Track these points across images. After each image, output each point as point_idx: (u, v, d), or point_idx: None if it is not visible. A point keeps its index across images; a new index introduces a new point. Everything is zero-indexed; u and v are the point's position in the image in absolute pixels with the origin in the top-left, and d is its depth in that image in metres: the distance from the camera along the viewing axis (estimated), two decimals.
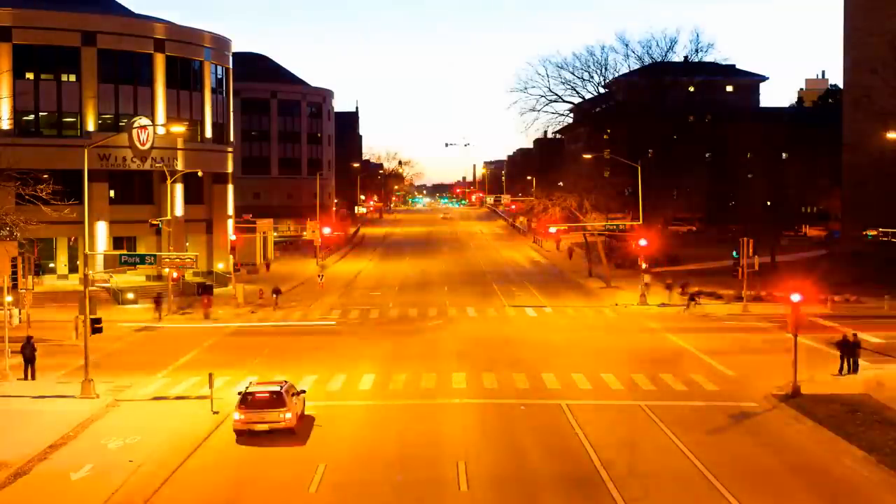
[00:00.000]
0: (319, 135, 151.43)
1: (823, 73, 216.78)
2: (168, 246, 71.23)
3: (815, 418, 33.26)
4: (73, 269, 73.85)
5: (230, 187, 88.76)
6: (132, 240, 78.35)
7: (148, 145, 76.32)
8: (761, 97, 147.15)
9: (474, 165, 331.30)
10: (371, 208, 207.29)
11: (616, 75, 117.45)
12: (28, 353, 41.77)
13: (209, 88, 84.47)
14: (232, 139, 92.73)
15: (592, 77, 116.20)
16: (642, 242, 70.27)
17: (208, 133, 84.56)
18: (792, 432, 32.52)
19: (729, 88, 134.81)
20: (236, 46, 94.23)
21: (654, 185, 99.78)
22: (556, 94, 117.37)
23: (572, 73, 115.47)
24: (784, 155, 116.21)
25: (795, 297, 37.59)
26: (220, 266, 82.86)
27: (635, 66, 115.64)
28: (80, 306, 43.17)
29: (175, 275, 67.39)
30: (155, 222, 72.47)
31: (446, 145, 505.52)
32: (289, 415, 31.49)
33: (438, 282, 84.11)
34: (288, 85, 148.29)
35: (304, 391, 35.00)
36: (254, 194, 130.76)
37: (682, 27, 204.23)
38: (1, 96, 70.52)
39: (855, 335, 42.46)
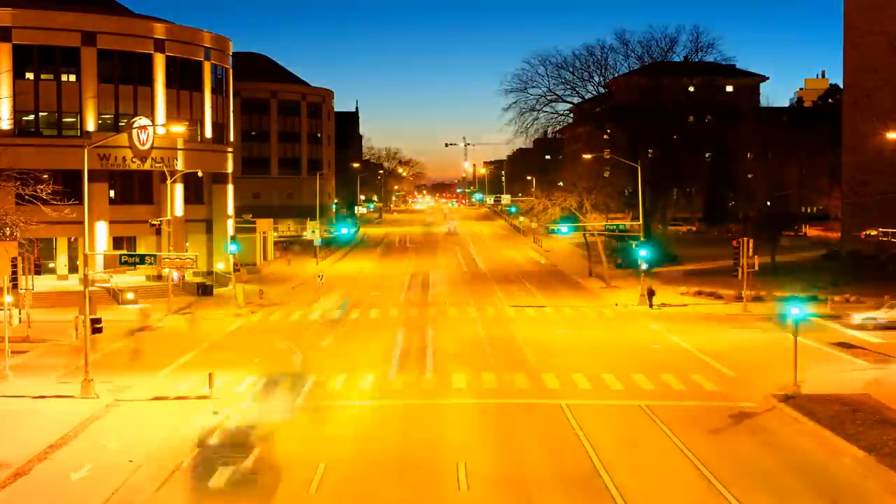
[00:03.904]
0: (319, 135, 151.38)
1: (823, 73, 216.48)
2: (168, 246, 71.25)
3: (815, 418, 33.25)
4: (73, 269, 73.86)
5: (230, 187, 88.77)
6: (132, 240, 78.35)
7: (148, 145, 76.32)
8: (761, 97, 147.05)
9: (474, 165, 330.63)
10: (371, 209, 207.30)
11: (616, 75, 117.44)
12: None
13: (209, 88, 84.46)
14: (232, 139, 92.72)
15: (592, 77, 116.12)
16: (642, 243, 70.23)
17: (208, 133, 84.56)
18: (792, 432, 32.52)
19: (729, 88, 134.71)
20: (236, 46, 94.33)
21: (653, 185, 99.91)
22: (556, 94, 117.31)
23: (572, 73, 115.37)
24: (784, 155, 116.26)
25: (795, 298, 37.61)
26: (220, 266, 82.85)
27: (635, 65, 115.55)
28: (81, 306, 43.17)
29: (175, 275, 67.37)
30: (155, 222, 72.47)
31: (446, 145, 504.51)
32: None
33: (438, 282, 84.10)
34: (288, 85, 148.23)
35: None
36: (254, 194, 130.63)
37: (682, 27, 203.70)
38: (1, 96, 70.51)
39: None
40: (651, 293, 65.13)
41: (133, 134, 74.53)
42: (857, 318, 54.34)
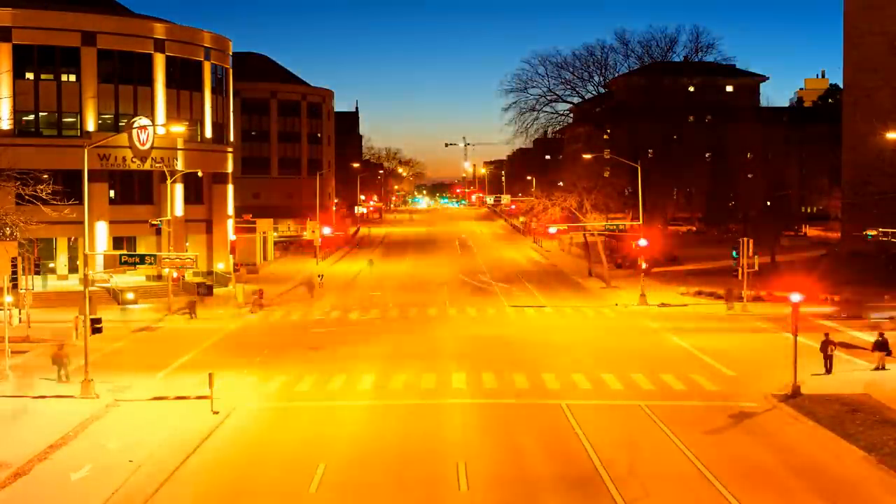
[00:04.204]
0: (319, 135, 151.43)
1: (823, 73, 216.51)
2: (168, 246, 71.27)
3: (815, 418, 33.26)
4: (73, 269, 73.87)
5: (230, 187, 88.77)
6: (132, 240, 78.36)
7: (148, 145, 76.32)
8: (761, 97, 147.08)
9: (474, 165, 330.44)
10: (371, 208, 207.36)
11: (616, 75, 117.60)
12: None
13: (209, 88, 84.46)
14: (232, 139, 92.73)
15: (592, 77, 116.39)
16: (642, 243, 70.28)
17: (208, 133, 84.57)
18: (792, 432, 32.52)
19: (729, 88, 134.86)
20: (236, 46, 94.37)
21: (654, 185, 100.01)
22: (556, 94, 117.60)
23: (572, 73, 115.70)
24: (784, 155, 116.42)
25: (795, 297, 37.62)
26: (220, 266, 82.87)
27: (635, 65, 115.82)
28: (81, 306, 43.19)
29: (175, 275, 67.36)
30: (155, 222, 72.50)
31: (446, 145, 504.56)
32: None
33: (438, 282, 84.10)
34: (288, 85, 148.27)
35: None
36: (254, 194, 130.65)
37: (682, 27, 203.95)
38: (1, 96, 70.51)
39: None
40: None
41: (133, 134, 74.54)
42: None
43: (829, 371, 39.92)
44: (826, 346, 40.61)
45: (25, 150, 63.17)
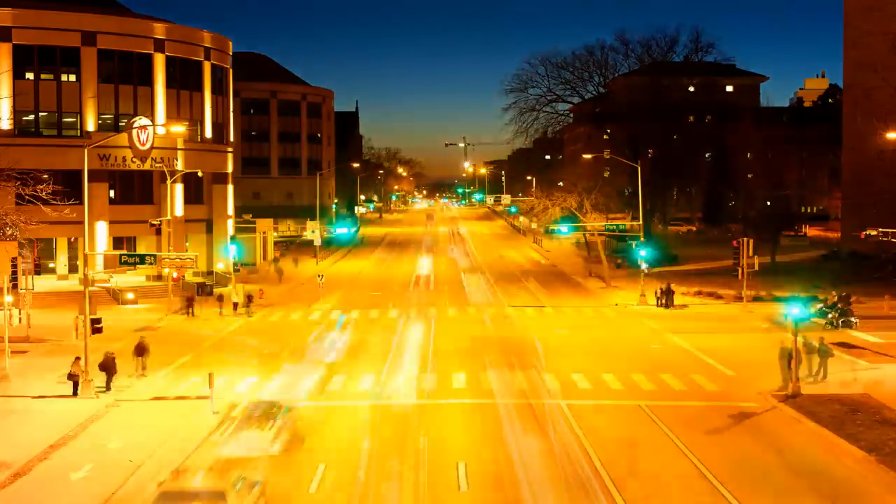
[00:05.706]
0: (319, 135, 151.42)
1: (823, 73, 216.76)
2: (168, 246, 71.25)
3: (815, 418, 33.27)
4: (73, 269, 73.86)
5: (230, 187, 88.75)
6: (132, 240, 78.36)
7: (148, 145, 76.31)
8: (761, 97, 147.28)
9: (474, 165, 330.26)
10: (371, 209, 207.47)
11: (616, 75, 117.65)
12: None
13: (209, 88, 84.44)
14: (232, 139, 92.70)
15: (592, 77, 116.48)
16: (642, 243, 70.27)
17: (208, 133, 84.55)
18: (792, 432, 32.53)
19: (729, 88, 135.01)
20: (236, 46, 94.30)
21: (654, 185, 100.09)
22: (556, 95, 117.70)
23: (572, 73, 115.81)
24: (784, 155, 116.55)
25: (795, 298, 37.59)
26: (219, 266, 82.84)
27: (635, 65, 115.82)
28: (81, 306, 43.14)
29: (175, 275, 67.32)
30: (155, 222, 72.47)
31: (446, 145, 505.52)
32: None
33: (439, 282, 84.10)
34: (288, 85, 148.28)
35: None
36: (254, 194, 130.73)
37: (683, 27, 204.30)
38: (1, 96, 70.52)
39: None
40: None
41: (133, 134, 74.54)
42: None
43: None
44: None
45: (25, 150, 63.16)
